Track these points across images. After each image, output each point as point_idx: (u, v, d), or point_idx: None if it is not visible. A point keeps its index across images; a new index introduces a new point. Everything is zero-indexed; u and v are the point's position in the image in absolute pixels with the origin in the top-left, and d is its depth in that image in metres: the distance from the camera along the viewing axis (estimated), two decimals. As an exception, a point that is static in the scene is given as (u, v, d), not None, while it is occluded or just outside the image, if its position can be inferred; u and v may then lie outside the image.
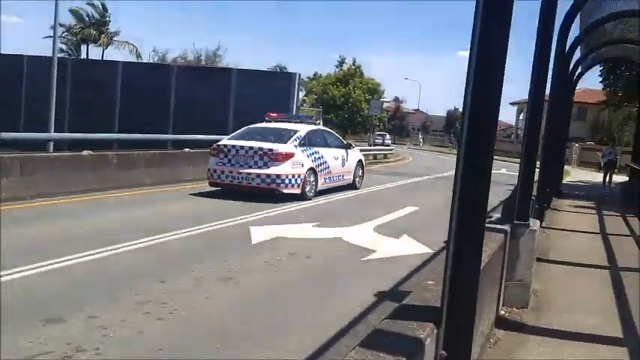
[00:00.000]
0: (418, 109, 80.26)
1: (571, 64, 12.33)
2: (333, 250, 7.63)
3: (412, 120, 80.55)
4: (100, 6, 41.52)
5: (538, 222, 5.79)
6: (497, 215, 5.68)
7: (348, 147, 14.68)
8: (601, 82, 21.03)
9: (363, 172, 15.32)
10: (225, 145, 12.10)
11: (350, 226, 9.19)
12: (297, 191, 11.67)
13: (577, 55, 12.92)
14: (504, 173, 20.41)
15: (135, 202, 10.67)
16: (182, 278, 5.81)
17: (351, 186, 14.36)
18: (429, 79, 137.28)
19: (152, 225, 8.09)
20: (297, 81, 21.35)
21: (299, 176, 11.68)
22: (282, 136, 12.33)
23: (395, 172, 22.26)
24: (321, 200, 12.13)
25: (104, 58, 38.66)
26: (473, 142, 2.59)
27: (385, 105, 55.17)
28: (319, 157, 12.69)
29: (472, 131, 2.57)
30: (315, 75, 58.13)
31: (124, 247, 6.76)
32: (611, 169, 18.75)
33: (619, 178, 19.86)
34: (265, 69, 45.23)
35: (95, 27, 40.66)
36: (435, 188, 16.86)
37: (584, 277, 6.77)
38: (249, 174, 11.49)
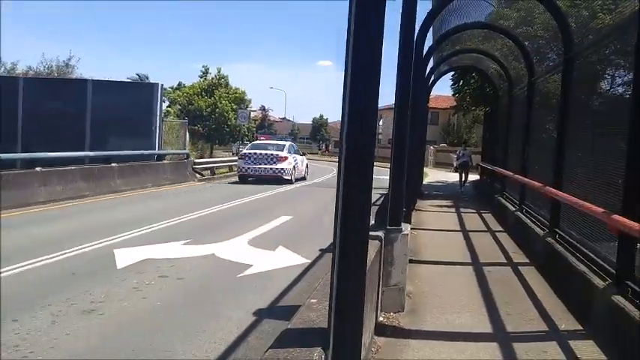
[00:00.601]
0: (285, 118, 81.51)
1: (426, 72, 13.05)
2: (207, 268, 7.25)
3: (279, 128, 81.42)
4: None
5: (409, 225, 5.92)
6: (371, 221, 5.71)
7: (303, 154, 24.08)
8: (452, 87, 22.63)
9: (307, 170, 24.14)
10: (247, 153, 21.38)
11: (223, 241, 8.83)
12: (289, 178, 20.53)
13: (431, 63, 13.73)
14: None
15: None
16: (38, 314, 5.13)
17: (303, 178, 22.73)
18: (294, 87, 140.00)
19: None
20: (159, 91, 20.35)
21: (290, 170, 20.77)
22: (279, 147, 21.90)
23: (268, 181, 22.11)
24: (202, 212, 11.61)
25: None
26: (353, 151, 2.46)
27: (252, 114, 55.11)
28: (295, 160, 21.78)
29: (352, 140, 2.44)
30: (179, 85, 56.28)
31: (-39, 285, 5.84)
32: (465, 170, 19.49)
33: (473, 177, 21.47)
34: (126, 79, 42.85)
35: None
36: (307, 195, 17.01)
37: (452, 275, 7.08)
38: (265, 168, 20.51)
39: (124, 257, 7.48)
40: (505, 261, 8.16)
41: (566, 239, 7.05)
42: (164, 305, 5.64)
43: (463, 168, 19.46)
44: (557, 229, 7.55)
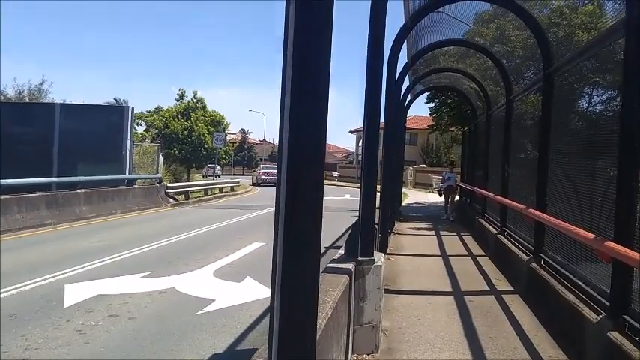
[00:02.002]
0: (264, 140, 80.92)
1: (402, 92, 12.67)
2: (164, 304, 6.58)
3: (259, 151, 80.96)
4: None
5: (382, 255, 5.38)
6: (340, 252, 5.16)
7: None
8: (429, 107, 22.41)
9: None
10: (263, 171, 41.53)
11: (186, 272, 8.19)
12: None
13: (407, 83, 13.37)
14: (348, 199, 20.68)
15: None
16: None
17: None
18: (273, 109, 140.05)
19: None
20: (130, 115, 19.67)
21: None
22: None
23: (242, 205, 21.50)
24: (170, 240, 10.92)
25: None
26: (294, 179, 1.92)
27: (230, 137, 54.61)
28: None
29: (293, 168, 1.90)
30: (157, 109, 55.49)
31: None
32: (452, 194, 17.39)
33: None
34: (104, 103, 41.95)
35: None
36: (282, 220, 16.39)
37: (432, 307, 6.52)
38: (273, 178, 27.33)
39: (75, 293, 6.80)
40: (488, 289, 7.64)
41: (551, 265, 6.58)
42: (108, 351, 4.98)
43: (449, 192, 17.25)
44: (541, 254, 7.08)
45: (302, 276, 1.95)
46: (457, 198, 18.23)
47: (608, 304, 4.58)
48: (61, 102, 20.28)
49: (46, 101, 35.34)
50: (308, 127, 1.90)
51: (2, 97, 37.86)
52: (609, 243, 4.26)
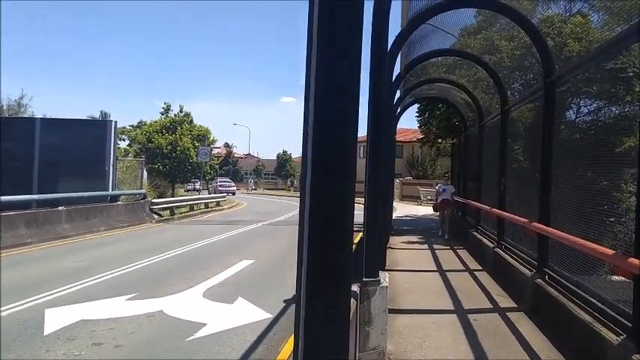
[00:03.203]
0: (249, 154, 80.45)
1: (393, 104, 12.43)
2: (152, 329, 6.16)
3: (244, 164, 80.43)
4: None
5: (387, 274, 5.05)
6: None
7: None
8: (417, 119, 22.24)
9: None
10: (219, 183, 45.93)
11: (174, 293, 7.77)
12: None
13: (397, 94, 13.15)
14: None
15: None
16: None
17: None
18: (258, 123, 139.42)
19: None
20: (113, 129, 19.17)
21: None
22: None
23: (230, 221, 21.07)
24: (155, 258, 10.47)
25: None
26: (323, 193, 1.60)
27: (215, 151, 54.12)
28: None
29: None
30: (139, 123, 54.82)
31: None
32: (448, 208, 15.36)
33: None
34: (86, 117, 41.20)
35: None
36: (271, 235, 16.01)
37: (436, 327, 6.19)
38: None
39: (56, 319, 6.36)
40: (491, 306, 7.34)
41: (558, 281, 6.31)
42: (92, 385, 4.57)
43: (445, 207, 15.37)
44: (546, 269, 6.81)
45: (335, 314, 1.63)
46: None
47: (630, 324, 4.30)
48: (42, 116, 19.66)
49: (26, 116, 34.73)
50: (336, 132, 1.59)
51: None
52: (633, 260, 3.99)
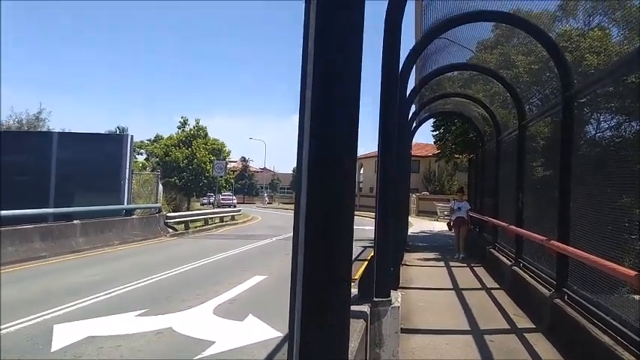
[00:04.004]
0: (265, 168, 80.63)
1: (408, 118, 12.33)
2: (160, 347, 6.06)
3: (260, 178, 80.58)
4: None
5: (399, 294, 4.91)
6: (353, 291, 4.70)
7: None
8: (433, 135, 22.10)
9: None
10: (222, 197, 39.21)
11: (184, 309, 7.69)
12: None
13: (413, 108, 13.06)
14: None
15: None
16: None
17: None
18: (274, 138, 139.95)
19: None
20: (129, 143, 19.32)
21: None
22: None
23: (244, 235, 21.03)
24: (168, 273, 10.43)
25: None
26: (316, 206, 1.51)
27: (231, 165, 54.41)
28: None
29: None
30: (156, 137, 55.42)
31: None
32: (463, 228, 14.26)
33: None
34: (105, 132, 41.72)
35: None
36: (285, 250, 15.89)
37: (450, 349, 6.01)
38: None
39: (64, 335, 6.31)
40: (508, 326, 7.13)
41: (577, 301, 6.11)
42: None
43: (460, 226, 14.27)
44: (565, 289, 6.60)
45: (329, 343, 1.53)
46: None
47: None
48: (59, 131, 19.89)
49: (44, 130, 35.26)
50: (334, 140, 1.51)
51: (3, 127, 37.66)
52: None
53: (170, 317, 7.22)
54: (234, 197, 54.12)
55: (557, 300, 6.57)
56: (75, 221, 15.29)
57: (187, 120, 40.91)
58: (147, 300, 8.32)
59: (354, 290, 4.75)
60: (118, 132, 53.26)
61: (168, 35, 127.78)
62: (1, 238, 10.39)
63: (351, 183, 1.53)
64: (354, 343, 3.29)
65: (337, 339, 1.54)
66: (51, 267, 12.00)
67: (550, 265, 7.46)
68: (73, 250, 14.30)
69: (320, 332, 1.50)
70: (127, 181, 19.20)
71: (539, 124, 9.23)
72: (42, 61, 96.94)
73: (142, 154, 55.33)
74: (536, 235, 7.80)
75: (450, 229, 15.14)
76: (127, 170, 19.32)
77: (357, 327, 3.69)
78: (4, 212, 13.43)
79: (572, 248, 6.14)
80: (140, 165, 41.52)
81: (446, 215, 31.02)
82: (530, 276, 8.41)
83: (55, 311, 7.46)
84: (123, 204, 18.89)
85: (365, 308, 4.19)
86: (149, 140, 58.40)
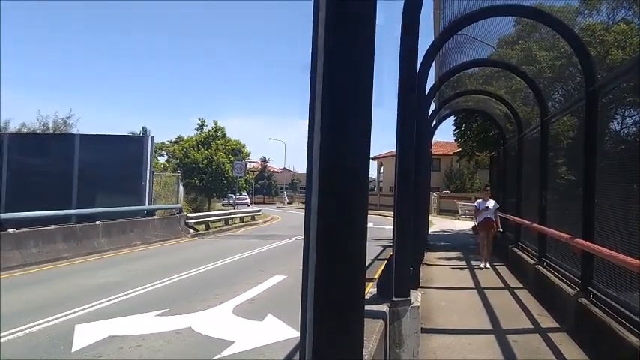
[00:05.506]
0: (285, 168, 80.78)
1: (428, 114, 12.22)
2: (179, 347, 6.08)
3: (279, 179, 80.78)
4: None
5: (419, 294, 4.85)
6: (371, 291, 4.66)
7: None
8: (454, 133, 21.84)
9: None
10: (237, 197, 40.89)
11: (204, 309, 7.72)
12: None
13: (432, 106, 12.92)
14: (371, 227, 20.04)
15: None
16: None
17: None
18: (294, 138, 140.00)
19: None
20: (149, 145, 19.51)
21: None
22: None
23: (264, 235, 21.09)
24: (188, 273, 10.51)
25: None
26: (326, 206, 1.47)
27: (250, 166, 54.61)
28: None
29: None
30: (177, 139, 55.97)
31: None
32: (491, 232, 12.37)
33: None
34: (127, 134, 42.35)
35: None
36: (305, 250, 15.89)
37: (472, 349, 5.92)
38: None
39: (85, 335, 6.37)
40: (531, 326, 7.01)
41: (603, 300, 5.96)
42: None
43: (488, 229, 12.32)
44: (590, 288, 6.46)
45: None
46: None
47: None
48: (81, 133, 20.15)
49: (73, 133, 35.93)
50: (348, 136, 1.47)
51: (27, 130, 38.37)
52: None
53: (190, 317, 7.25)
54: (247, 197, 56.36)
55: (582, 299, 6.43)
56: (97, 222, 15.48)
57: (205, 121, 41.16)
58: (167, 300, 8.37)
59: (373, 290, 4.71)
60: (142, 134, 54.05)
61: (189, 37, 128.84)
62: (1, 243, 10.51)
63: (364, 178, 1.49)
64: (372, 343, 3.25)
65: (351, 339, 1.50)
66: (73, 267, 12.17)
67: (574, 263, 7.32)
68: (96, 251, 14.48)
69: (333, 332, 1.47)
70: (147, 182, 19.40)
71: (562, 120, 9.06)
72: (63, 64, 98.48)
73: (162, 155, 55.98)
74: (559, 233, 7.65)
75: (476, 233, 13.18)
76: (148, 171, 19.52)
77: (375, 327, 3.64)
78: (25, 214, 13.69)
79: (597, 246, 6.00)
80: (161, 166, 41.97)
81: (468, 214, 30.74)
82: (554, 275, 8.26)
83: (77, 311, 7.54)
84: (144, 205, 19.10)
85: (384, 308, 4.14)
86: (170, 142, 59.05)
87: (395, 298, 4.34)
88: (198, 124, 41.57)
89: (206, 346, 6.01)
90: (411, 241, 4.81)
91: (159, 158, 51.20)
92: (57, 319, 7.13)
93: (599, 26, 11.26)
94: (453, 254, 14.53)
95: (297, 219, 33.92)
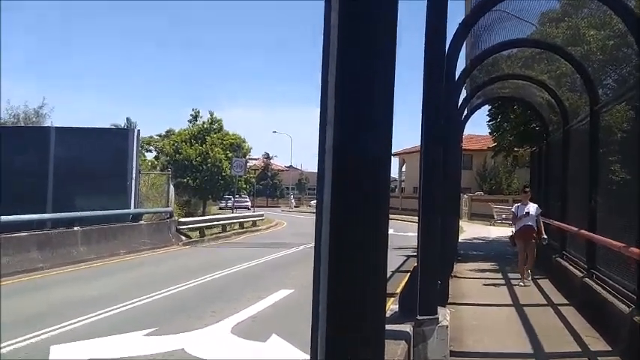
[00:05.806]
0: (291, 166, 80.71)
1: (458, 103, 12.19)
2: (170, 372, 6.14)
3: (285, 178, 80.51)
4: None
5: (447, 311, 4.85)
6: (392, 308, 4.66)
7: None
8: (488, 125, 21.78)
9: None
10: (236, 200, 38.15)
11: (199, 328, 7.77)
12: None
13: (463, 94, 12.90)
14: (392, 234, 20.04)
15: None
16: None
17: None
18: (301, 131, 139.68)
19: None
20: (135, 139, 19.63)
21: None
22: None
23: (267, 243, 21.18)
24: (180, 287, 10.58)
25: None
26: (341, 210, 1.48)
27: (252, 163, 54.73)
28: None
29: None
30: (168, 132, 56.23)
31: None
32: (532, 241, 11.72)
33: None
34: (110, 126, 42.46)
35: None
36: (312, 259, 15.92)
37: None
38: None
39: (62, 357, 6.45)
40: (578, 349, 6.99)
41: (663, 320, 5.93)
42: None
43: (528, 238, 11.68)
44: (649, 306, 6.42)
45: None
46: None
47: None
48: (56, 126, 20.24)
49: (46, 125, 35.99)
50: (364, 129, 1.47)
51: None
52: None
53: (182, 337, 7.31)
54: (248, 200, 56.31)
55: (638, 317, 6.39)
56: (76, 228, 15.61)
57: (199, 112, 41.21)
58: (157, 317, 8.43)
59: (394, 307, 4.71)
60: (125, 126, 54.34)
61: (181, 20, 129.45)
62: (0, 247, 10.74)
63: (384, 178, 1.49)
64: (393, 368, 3.25)
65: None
66: (49, 279, 12.30)
67: (629, 276, 7.28)
68: (74, 261, 14.61)
69: (348, 356, 1.47)
70: (133, 182, 19.50)
71: (616, 109, 9.00)
72: (41, 51, 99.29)
73: (150, 151, 56.35)
74: (612, 242, 7.61)
75: (514, 245, 12.35)
76: (134, 169, 19.63)
77: (397, 350, 3.64)
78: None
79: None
80: (149, 164, 42.23)
81: (504, 219, 30.63)
82: (606, 289, 8.22)
83: (53, 330, 7.60)
84: (129, 208, 19.20)
85: (407, 328, 4.14)
86: (159, 136, 59.37)
87: (420, 317, 4.34)
88: (191, 115, 41.70)
89: (200, 371, 6.05)
90: (439, 251, 4.80)
91: (146, 154, 51.63)
92: (29, 339, 7.19)
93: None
94: (487, 265, 14.51)
95: (306, 224, 33.95)
